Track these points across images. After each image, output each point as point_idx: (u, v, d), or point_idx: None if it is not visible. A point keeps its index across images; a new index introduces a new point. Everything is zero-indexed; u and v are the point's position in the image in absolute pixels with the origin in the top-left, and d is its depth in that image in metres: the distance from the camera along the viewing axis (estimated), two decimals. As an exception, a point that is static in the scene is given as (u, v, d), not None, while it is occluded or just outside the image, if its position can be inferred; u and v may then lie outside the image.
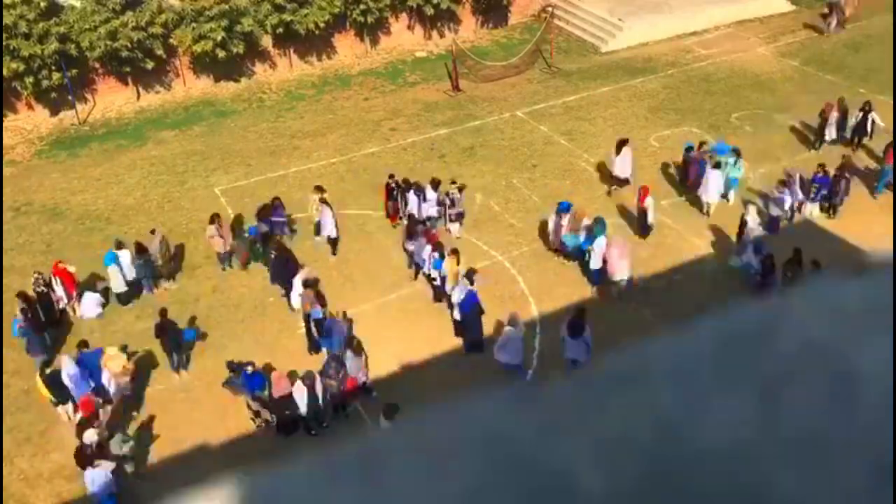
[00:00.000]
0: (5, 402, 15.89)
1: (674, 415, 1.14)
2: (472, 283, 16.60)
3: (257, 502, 1.15)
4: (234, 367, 15.31)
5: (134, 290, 18.45)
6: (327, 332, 16.33)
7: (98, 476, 13.26)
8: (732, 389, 1.15)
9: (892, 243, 18.28)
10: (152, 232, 18.87)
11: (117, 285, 18.05)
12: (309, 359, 16.46)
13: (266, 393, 14.90)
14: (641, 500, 1.06)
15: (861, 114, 22.59)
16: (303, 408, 14.71)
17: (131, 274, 18.14)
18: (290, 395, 14.81)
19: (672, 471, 1.08)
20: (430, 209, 19.87)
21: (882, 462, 1.04)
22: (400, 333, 17.28)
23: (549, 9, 32.41)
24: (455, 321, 17.00)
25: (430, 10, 30.95)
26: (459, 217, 20.05)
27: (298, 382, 14.65)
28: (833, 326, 1.19)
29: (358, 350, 15.52)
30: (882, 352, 1.12)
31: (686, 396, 1.16)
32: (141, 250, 18.14)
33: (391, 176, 20.67)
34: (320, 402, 14.87)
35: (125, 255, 18.05)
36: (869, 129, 22.52)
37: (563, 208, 19.07)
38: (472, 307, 16.42)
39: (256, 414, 15.13)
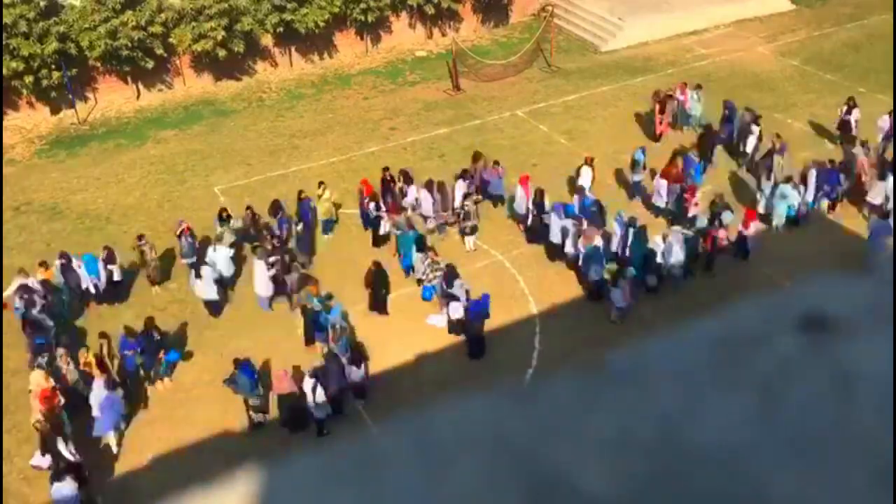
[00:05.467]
0: (5, 402, 15.89)
1: (673, 415, 1.14)
2: (449, 278, 16.85)
3: (258, 501, 1.15)
4: (237, 364, 15.35)
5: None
6: (321, 327, 16.45)
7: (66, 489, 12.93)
8: (732, 389, 1.15)
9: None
10: (139, 238, 18.64)
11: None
12: (307, 356, 16.45)
13: (260, 393, 14.91)
14: (641, 499, 1.06)
15: (846, 107, 23.03)
16: (314, 402, 14.62)
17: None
18: (295, 391, 14.85)
19: (672, 470, 1.08)
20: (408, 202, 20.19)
21: (881, 462, 1.04)
22: (400, 333, 17.27)
23: (550, 8, 32.41)
24: (454, 320, 17.01)
25: (430, 10, 30.94)
26: (474, 230, 19.87)
27: (307, 378, 14.62)
28: (832, 326, 1.19)
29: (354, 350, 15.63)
30: (882, 352, 1.12)
31: (686, 396, 1.16)
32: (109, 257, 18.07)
33: (385, 169, 20.73)
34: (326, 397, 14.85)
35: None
36: (854, 124, 22.85)
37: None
38: (477, 313, 16.39)
39: (253, 410, 15.12)
